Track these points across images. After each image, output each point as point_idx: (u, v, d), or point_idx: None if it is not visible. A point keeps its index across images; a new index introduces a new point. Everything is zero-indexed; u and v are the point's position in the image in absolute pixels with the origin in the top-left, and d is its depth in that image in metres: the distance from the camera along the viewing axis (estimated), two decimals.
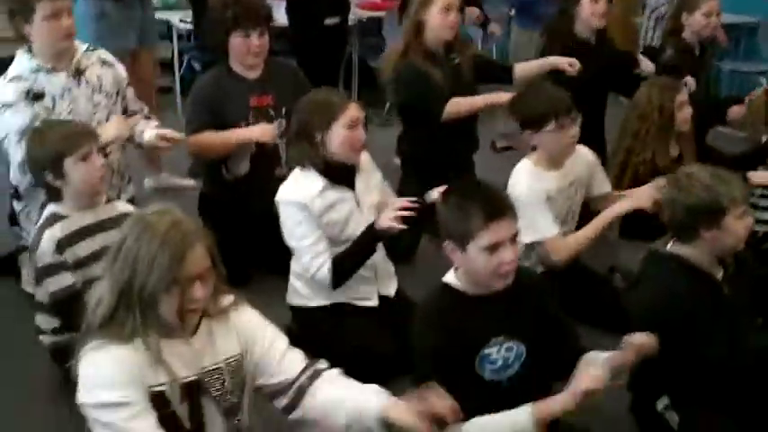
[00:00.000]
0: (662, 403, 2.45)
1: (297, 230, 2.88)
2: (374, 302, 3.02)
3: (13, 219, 3.34)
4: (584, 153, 3.30)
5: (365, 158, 3.04)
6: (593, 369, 2.00)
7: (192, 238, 1.75)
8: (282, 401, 1.98)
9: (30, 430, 2.68)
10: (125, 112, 3.37)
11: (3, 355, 3.05)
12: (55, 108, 3.12)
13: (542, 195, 3.04)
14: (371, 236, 2.86)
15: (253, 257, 3.53)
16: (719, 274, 2.46)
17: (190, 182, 4.54)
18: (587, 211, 3.34)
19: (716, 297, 2.42)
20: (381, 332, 2.88)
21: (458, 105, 3.76)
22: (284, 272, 3.09)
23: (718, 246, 2.39)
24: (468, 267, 2.08)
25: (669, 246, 2.48)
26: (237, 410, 1.93)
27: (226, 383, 1.89)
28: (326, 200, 2.89)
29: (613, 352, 2.07)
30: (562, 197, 3.18)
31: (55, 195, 2.70)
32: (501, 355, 2.13)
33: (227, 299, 1.95)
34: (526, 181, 3.07)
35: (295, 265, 3.02)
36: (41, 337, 2.80)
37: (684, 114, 3.46)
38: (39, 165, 2.67)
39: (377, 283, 3.04)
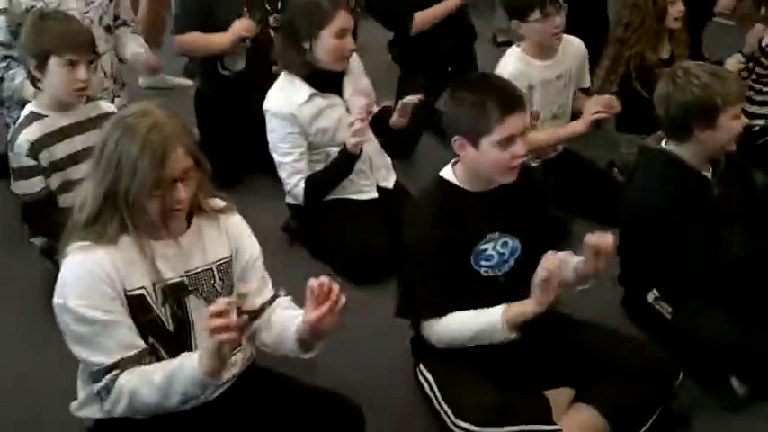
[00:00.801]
0: (653, 295, 2.49)
1: (281, 145, 2.89)
2: (373, 195, 3.04)
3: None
4: (577, 45, 3.28)
5: (353, 61, 3.00)
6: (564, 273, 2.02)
7: (173, 140, 1.73)
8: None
9: (24, 327, 2.68)
10: (116, 18, 3.29)
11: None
12: None
13: (524, 82, 3.01)
14: (346, 157, 2.88)
15: (248, 156, 3.51)
16: (708, 174, 2.45)
17: (186, 81, 4.49)
18: None
19: (705, 196, 2.42)
20: (379, 231, 2.90)
21: (422, 18, 3.73)
22: None
23: (711, 145, 2.38)
24: (477, 163, 2.07)
25: (663, 143, 2.47)
26: None
27: (215, 284, 1.89)
28: (314, 107, 2.88)
29: (580, 258, 2.08)
30: (548, 90, 3.18)
31: (34, 83, 2.65)
32: (496, 250, 2.15)
33: (219, 202, 1.95)
34: (511, 67, 3.10)
35: None
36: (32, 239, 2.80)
37: (676, 9, 3.40)
38: (28, 50, 2.62)
39: (373, 176, 3.05)
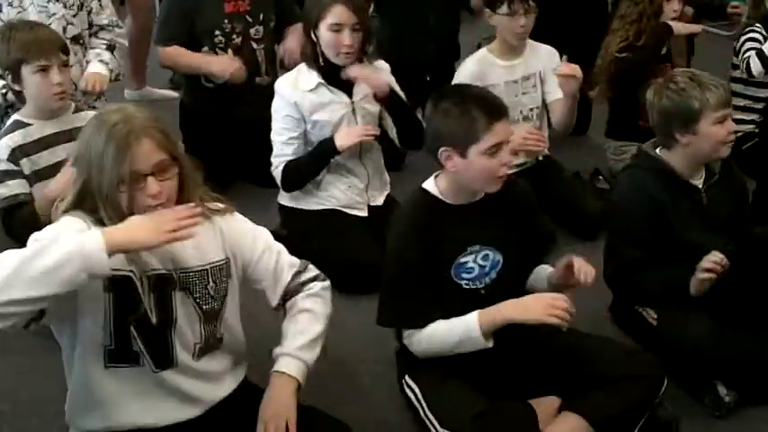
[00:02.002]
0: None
1: (277, 124, 2.92)
2: (363, 213, 3.04)
3: None
4: (548, 51, 3.30)
5: (380, 66, 3.01)
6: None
7: (139, 133, 1.69)
8: (273, 302, 2.01)
9: None
10: (90, 26, 3.28)
11: None
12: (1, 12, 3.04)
13: (484, 82, 3.03)
14: (329, 149, 2.88)
15: (234, 167, 3.50)
16: (699, 181, 2.45)
17: (171, 92, 4.48)
18: None
19: (693, 203, 2.42)
20: (367, 242, 2.89)
21: None
22: (267, 183, 3.10)
23: (695, 151, 2.38)
24: (465, 173, 2.06)
25: (658, 150, 2.48)
26: (217, 317, 1.91)
27: (209, 286, 1.87)
28: (320, 97, 2.89)
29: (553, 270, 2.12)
30: (513, 90, 3.21)
31: (17, 96, 2.66)
32: (477, 263, 2.14)
33: (218, 203, 1.91)
34: (471, 66, 3.19)
35: None
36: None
37: (672, 7, 3.43)
38: (1, 64, 2.63)
39: (366, 195, 3.05)
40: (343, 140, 2.86)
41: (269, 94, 3.00)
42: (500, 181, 2.07)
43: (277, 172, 2.94)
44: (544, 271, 2.24)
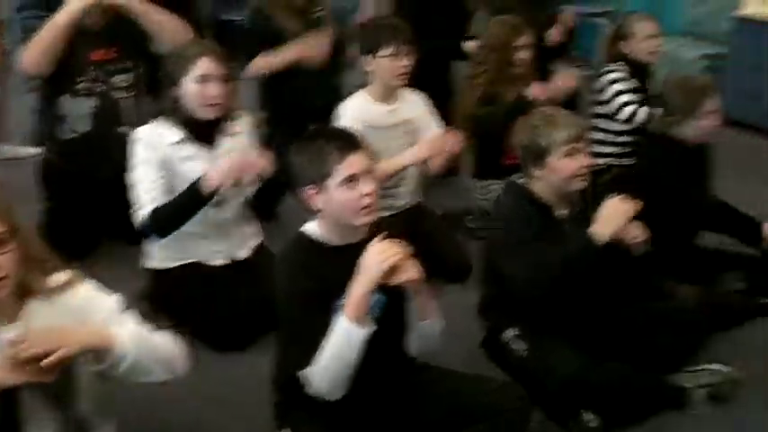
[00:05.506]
0: (510, 334, 2.55)
1: (138, 170, 2.82)
2: (220, 261, 3.00)
3: None
4: (418, 98, 3.40)
5: (245, 121, 3.00)
6: None
7: None
8: None
9: None
10: None
11: None
12: None
13: (363, 123, 3.07)
14: (197, 190, 2.76)
15: (100, 225, 3.40)
16: (564, 212, 2.55)
17: (32, 150, 4.30)
18: None
19: (556, 232, 2.51)
20: (232, 294, 2.86)
21: (264, 62, 3.76)
22: (135, 239, 3.01)
23: (550, 184, 2.49)
24: (330, 208, 2.06)
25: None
26: (68, 396, 1.78)
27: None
28: (183, 152, 2.84)
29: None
30: (388, 134, 3.24)
31: None
32: None
33: (59, 277, 1.79)
34: (350, 107, 3.23)
35: None
36: None
37: (522, 56, 3.59)
38: None
39: (224, 243, 3.01)
40: (211, 179, 2.74)
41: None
42: (367, 212, 2.06)
43: (143, 218, 2.80)
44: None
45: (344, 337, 1.98)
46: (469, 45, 4.03)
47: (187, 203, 2.80)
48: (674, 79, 3.23)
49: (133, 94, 3.43)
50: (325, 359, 2.01)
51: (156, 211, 2.78)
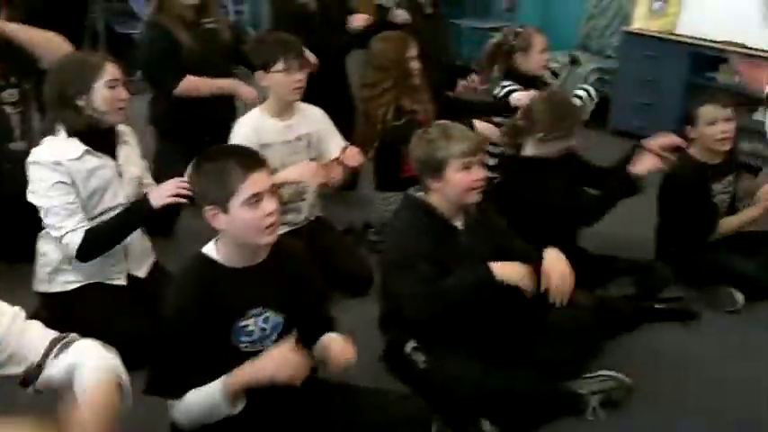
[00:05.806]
0: (410, 346, 2.57)
1: (50, 192, 2.69)
2: (122, 282, 2.92)
3: None
4: (316, 113, 3.39)
5: (128, 131, 2.93)
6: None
7: None
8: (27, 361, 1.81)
9: None
10: None
11: None
12: None
13: (257, 140, 3.08)
14: (142, 210, 2.74)
15: None
16: (459, 223, 2.60)
17: None
18: None
19: (450, 244, 2.56)
20: (131, 313, 2.79)
21: (195, 84, 3.75)
22: (30, 258, 2.90)
23: (447, 196, 2.54)
24: (232, 229, 2.03)
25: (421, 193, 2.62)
26: None
27: None
28: (87, 165, 2.75)
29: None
30: (286, 150, 3.25)
31: None
32: (258, 326, 2.11)
33: None
34: (245, 125, 3.22)
35: (41, 247, 2.85)
36: None
37: (415, 66, 3.62)
38: None
39: (127, 262, 2.93)
40: (158, 200, 2.70)
41: (24, 160, 2.81)
42: (270, 232, 2.05)
43: (75, 237, 2.69)
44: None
45: (212, 406, 1.99)
46: None
47: (127, 223, 2.76)
48: (540, 96, 3.33)
49: (20, 110, 3.36)
50: (191, 405, 2.01)
51: (90, 233, 2.70)
